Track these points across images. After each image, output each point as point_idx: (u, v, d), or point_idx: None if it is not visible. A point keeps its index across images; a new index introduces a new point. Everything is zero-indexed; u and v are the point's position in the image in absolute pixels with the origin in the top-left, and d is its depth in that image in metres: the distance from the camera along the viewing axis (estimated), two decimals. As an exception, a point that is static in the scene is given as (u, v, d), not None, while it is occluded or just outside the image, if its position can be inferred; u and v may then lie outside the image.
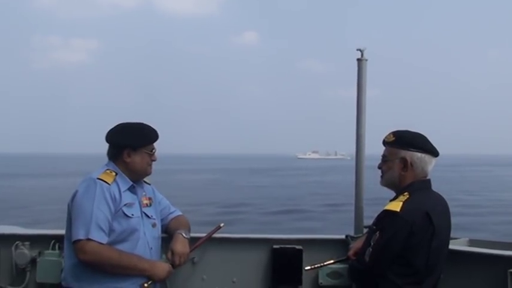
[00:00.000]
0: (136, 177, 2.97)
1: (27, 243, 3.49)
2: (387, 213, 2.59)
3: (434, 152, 2.75)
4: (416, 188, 2.67)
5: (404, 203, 2.57)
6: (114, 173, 2.89)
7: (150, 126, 3.02)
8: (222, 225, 3.30)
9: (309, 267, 3.18)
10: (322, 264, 3.17)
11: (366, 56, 3.45)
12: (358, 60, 3.45)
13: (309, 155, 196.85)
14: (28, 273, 3.48)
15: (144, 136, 2.97)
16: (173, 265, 2.97)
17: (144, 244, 2.89)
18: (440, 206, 2.72)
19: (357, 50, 3.45)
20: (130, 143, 2.93)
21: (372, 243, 2.59)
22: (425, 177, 2.75)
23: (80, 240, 2.71)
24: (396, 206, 2.57)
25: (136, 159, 2.93)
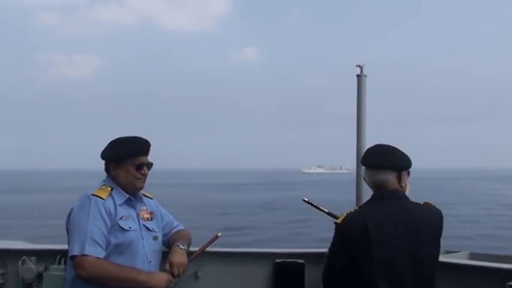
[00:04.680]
0: (128, 191, 2.95)
1: (33, 258, 3.54)
2: (335, 225, 2.65)
3: (368, 165, 2.69)
4: (372, 199, 2.69)
5: (348, 214, 2.62)
6: (109, 188, 2.90)
7: (140, 139, 2.99)
8: (219, 234, 3.30)
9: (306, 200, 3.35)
10: (318, 206, 3.25)
11: (365, 71, 3.50)
12: (358, 76, 3.50)
13: (314, 169, 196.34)
14: None
15: (127, 148, 2.93)
16: (173, 275, 2.98)
17: (143, 257, 2.89)
18: (395, 217, 2.57)
19: (357, 66, 3.50)
20: (114, 155, 2.95)
21: None
22: (387, 188, 2.64)
23: (75, 256, 2.72)
24: (341, 218, 2.63)
25: (121, 172, 2.93)
